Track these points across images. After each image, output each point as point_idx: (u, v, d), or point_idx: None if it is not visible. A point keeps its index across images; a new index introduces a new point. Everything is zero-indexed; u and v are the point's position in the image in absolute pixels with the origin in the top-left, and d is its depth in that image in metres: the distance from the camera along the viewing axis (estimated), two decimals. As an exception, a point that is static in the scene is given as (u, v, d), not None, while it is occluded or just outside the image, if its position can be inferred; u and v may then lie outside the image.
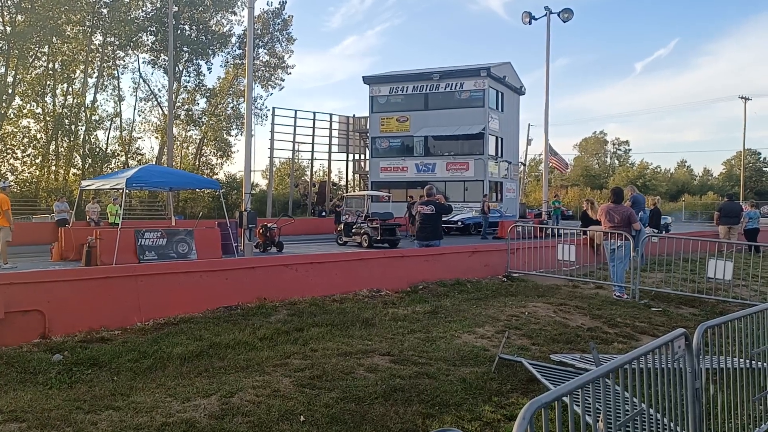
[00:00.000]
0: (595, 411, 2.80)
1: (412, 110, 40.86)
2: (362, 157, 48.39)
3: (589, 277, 11.96)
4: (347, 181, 52.15)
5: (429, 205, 11.45)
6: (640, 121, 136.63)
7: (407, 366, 5.94)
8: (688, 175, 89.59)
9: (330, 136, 47.08)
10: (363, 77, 42.90)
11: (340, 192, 49.04)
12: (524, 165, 61.84)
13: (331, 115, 47.19)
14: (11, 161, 37.72)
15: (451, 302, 9.40)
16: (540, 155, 73.71)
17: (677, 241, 12.54)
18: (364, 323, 7.81)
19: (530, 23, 26.78)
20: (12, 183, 17.00)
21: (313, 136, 45.95)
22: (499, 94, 41.11)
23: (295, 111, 44.59)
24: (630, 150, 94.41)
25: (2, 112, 35.71)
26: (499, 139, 41.26)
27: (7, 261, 14.09)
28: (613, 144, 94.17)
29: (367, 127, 44.15)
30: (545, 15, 26.56)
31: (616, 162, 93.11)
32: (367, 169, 44.95)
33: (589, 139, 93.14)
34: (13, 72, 35.94)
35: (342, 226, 22.17)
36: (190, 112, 46.09)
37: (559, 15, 26.00)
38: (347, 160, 49.66)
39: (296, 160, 48.85)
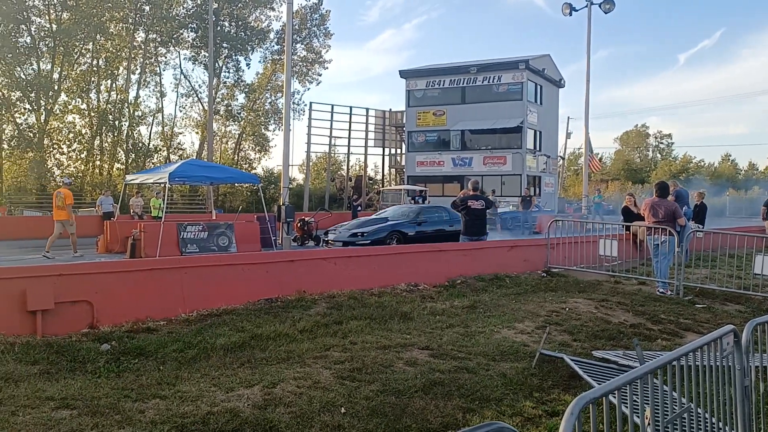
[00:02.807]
0: (642, 408, 2.76)
1: (448, 104, 40.60)
2: (398, 151, 48.32)
3: (632, 273, 11.76)
4: (383, 175, 52.18)
5: (479, 200, 11.48)
6: (684, 114, 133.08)
7: (446, 360, 5.94)
8: (732, 169, 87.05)
9: (366, 131, 47.13)
10: (399, 71, 42.81)
11: (376, 186, 49.10)
12: (563, 159, 60.97)
13: (367, 109, 47.25)
14: (57, 156, 38.79)
15: (489, 297, 9.35)
16: (579, 149, 72.64)
17: (722, 236, 12.22)
18: (403, 317, 7.83)
19: (570, 14, 26.33)
20: (73, 180, 17.68)
21: (350, 130, 46.07)
22: (538, 87, 40.56)
23: (332, 106, 44.76)
24: (672, 143, 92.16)
25: (49, 108, 36.72)
26: (538, 133, 40.73)
27: (77, 251, 15.16)
28: (655, 137, 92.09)
29: (404, 121, 44.04)
30: (586, 6, 26.06)
31: (658, 156, 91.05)
32: (403, 163, 44.88)
33: (631, 133, 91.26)
34: (59, 69, 36.90)
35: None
36: (230, 108, 46.69)
37: (600, 6, 25.50)
38: (383, 155, 49.65)
39: (333, 155, 49.04)
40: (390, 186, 44.65)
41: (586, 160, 30.24)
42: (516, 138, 38.52)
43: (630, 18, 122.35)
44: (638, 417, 2.76)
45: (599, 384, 4.84)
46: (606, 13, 25.59)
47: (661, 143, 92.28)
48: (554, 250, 12.32)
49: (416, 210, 17.61)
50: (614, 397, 2.68)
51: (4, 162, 35.97)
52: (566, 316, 8.12)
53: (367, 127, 46.96)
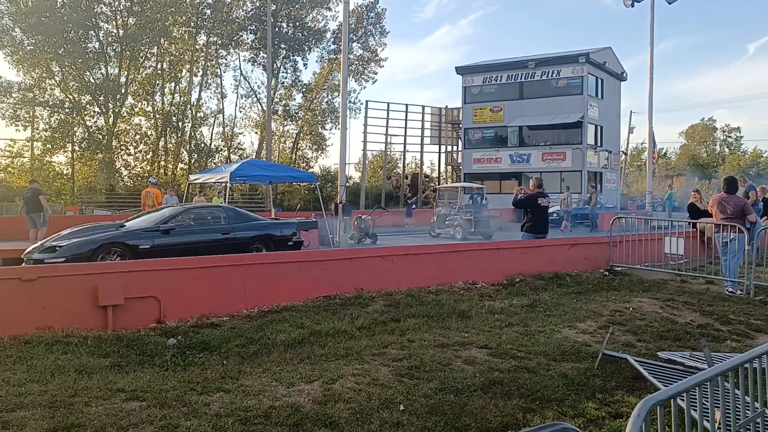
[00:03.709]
0: (712, 412, 2.66)
1: (506, 100, 40.12)
2: (455, 148, 48.09)
3: (699, 271, 11.34)
4: (439, 173, 52.01)
5: (545, 198, 11.31)
6: (753, 106, 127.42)
7: (506, 359, 5.88)
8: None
9: (422, 128, 47.10)
10: (456, 68, 42.55)
11: (432, 184, 48.99)
12: (626, 154, 59.30)
13: (423, 107, 47.19)
14: (125, 157, 40.33)
15: (549, 296, 9.19)
16: (642, 144, 70.48)
17: (798, 234, 11.64)
18: (461, 315, 7.78)
19: (632, 5, 25.62)
20: (157, 180, 18.64)
21: (406, 128, 46.14)
22: (599, 80, 39.59)
23: (388, 104, 44.94)
24: (741, 137, 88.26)
25: (117, 110, 38.20)
26: (599, 128, 39.76)
27: None
28: (723, 131, 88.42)
29: (460, 118, 43.78)
30: (649, -4, 25.29)
31: (726, 150, 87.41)
32: (459, 160, 44.62)
33: (696, 126, 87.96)
34: (126, 73, 38.32)
35: (435, 218, 22.19)
36: (287, 108, 47.46)
37: (663, -5, 24.69)
38: (439, 152, 49.51)
39: (389, 153, 49.22)
40: (446, 183, 44.45)
41: (650, 155, 29.33)
42: (576, 133, 37.72)
43: (695, 7, 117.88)
44: (707, 421, 2.67)
45: (665, 386, 4.70)
46: (670, 3, 24.77)
47: (729, 137, 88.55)
48: (617, 248, 12.01)
49: (170, 214, 12.37)
50: (682, 399, 2.60)
51: (75, 163, 37.61)
52: (630, 315, 7.90)
53: (423, 124, 46.92)
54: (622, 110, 45.67)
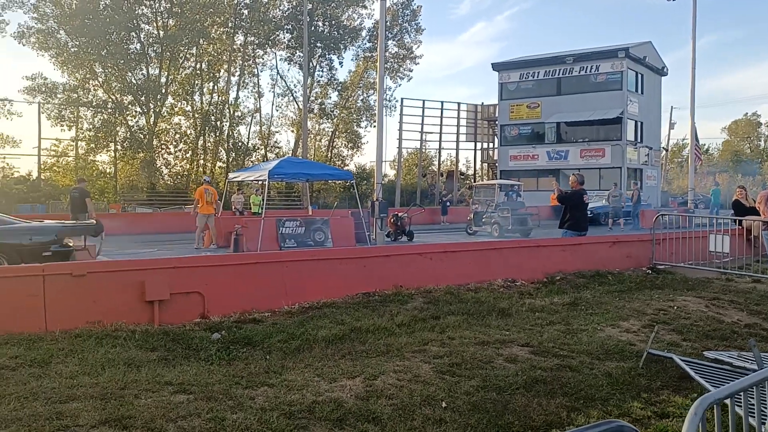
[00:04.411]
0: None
1: (543, 96, 39.66)
2: (491, 145, 47.75)
3: (745, 270, 11.06)
4: (475, 170, 51.72)
5: (586, 194, 11.15)
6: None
7: (548, 358, 5.83)
8: None
9: (458, 125, 46.87)
10: (492, 64, 42.23)
11: (468, 181, 48.73)
12: (666, 151, 58.04)
13: (459, 103, 46.95)
14: (165, 156, 41.13)
15: (591, 294, 9.07)
16: (684, 140, 68.87)
17: None
18: (501, 313, 7.75)
19: (674, -1, 24.99)
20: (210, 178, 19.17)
21: (441, 125, 45.99)
22: (639, 75, 38.83)
23: (423, 101, 44.84)
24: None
25: (157, 110, 38.97)
26: (639, 124, 39.01)
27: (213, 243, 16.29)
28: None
29: (496, 114, 43.44)
30: (691, -12, 24.69)
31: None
32: (495, 157, 44.29)
33: (740, 122, 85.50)
34: (166, 73, 39.04)
35: (472, 215, 22.08)
36: (323, 106, 47.75)
37: (707, -12, 24.05)
38: (475, 149, 49.24)
39: (424, 150, 49.15)
40: (482, 181, 44.18)
41: (692, 151, 28.66)
42: (615, 129, 37.09)
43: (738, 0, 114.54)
44: (765, 423, 2.61)
45: (713, 386, 4.61)
46: (714, -6, 24.09)
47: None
48: (660, 246, 11.78)
49: None
50: (738, 399, 2.55)
51: (117, 162, 38.50)
52: (674, 314, 7.76)
53: (458, 121, 46.69)
54: (663, 105, 44.71)
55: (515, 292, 9.16)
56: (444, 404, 4.66)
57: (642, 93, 39.15)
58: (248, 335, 6.55)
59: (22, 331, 6.22)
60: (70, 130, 37.40)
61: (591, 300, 8.63)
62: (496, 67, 41.99)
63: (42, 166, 35.56)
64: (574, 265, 10.62)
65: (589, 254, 11.20)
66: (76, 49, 36.15)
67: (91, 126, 37.99)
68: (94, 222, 11.53)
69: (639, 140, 39.03)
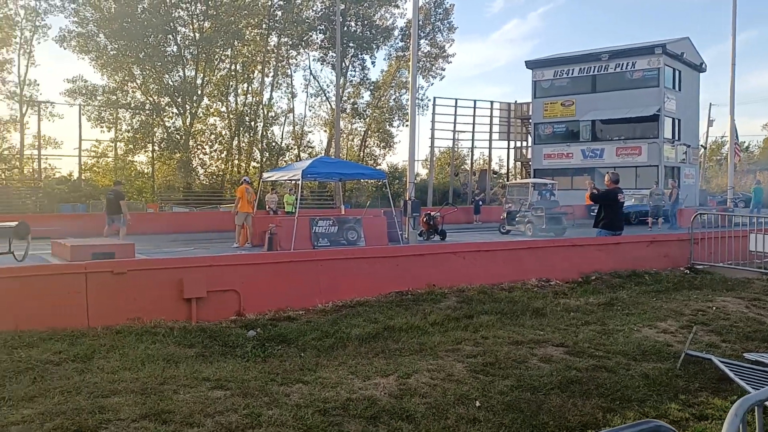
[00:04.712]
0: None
1: (577, 93, 39.12)
2: (524, 144, 47.32)
3: (788, 270, 10.78)
4: (508, 169, 51.30)
5: (622, 193, 10.94)
6: None
7: (583, 358, 5.78)
8: None
9: (491, 124, 46.56)
10: (525, 62, 41.84)
11: (501, 180, 48.37)
12: (705, 148, 56.77)
13: (491, 102, 46.62)
14: (201, 156, 41.73)
15: (627, 294, 8.95)
16: (723, 137, 67.23)
17: None
18: (535, 313, 7.70)
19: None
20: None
21: (474, 124, 45.72)
22: (676, 72, 38.02)
23: (456, 100, 44.64)
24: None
25: (193, 111, 39.58)
26: (676, 121, 38.21)
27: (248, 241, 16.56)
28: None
29: (530, 113, 43.03)
30: (732, -18, 24.08)
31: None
32: (529, 156, 43.88)
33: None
34: (202, 75, 39.62)
35: (505, 214, 21.93)
36: (356, 106, 47.89)
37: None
38: (508, 148, 48.83)
39: (456, 149, 48.91)
40: (516, 180, 43.81)
41: (732, 149, 27.95)
42: (652, 127, 36.40)
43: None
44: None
45: (754, 389, 4.51)
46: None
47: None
48: (698, 246, 11.55)
49: None
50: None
51: (155, 162, 39.23)
52: (713, 315, 7.61)
53: (491, 120, 46.39)
54: (701, 102, 43.71)
55: (549, 291, 9.09)
56: (478, 403, 4.65)
57: (679, 90, 38.34)
58: (283, 333, 6.64)
59: (65, 326, 6.41)
60: (109, 132, 38.22)
61: (627, 300, 8.51)
62: (529, 64, 41.59)
63: (82, 167, 36.42)
64: (609, 265, 10.49)
65: (626, 254, 11.03)
66: (115, 52, 36.92)
67: (129, 127, 38.75)
68: (16, 223, 11.29)
69: (676, 138, 38.23)
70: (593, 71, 38.59)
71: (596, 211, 11.37)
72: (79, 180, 35.90)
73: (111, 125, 38.00)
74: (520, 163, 48.73)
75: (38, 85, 42.77)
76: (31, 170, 35.94)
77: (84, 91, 37.49)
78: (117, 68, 37.66)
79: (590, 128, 38.97)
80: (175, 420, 4.15)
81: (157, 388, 4.76)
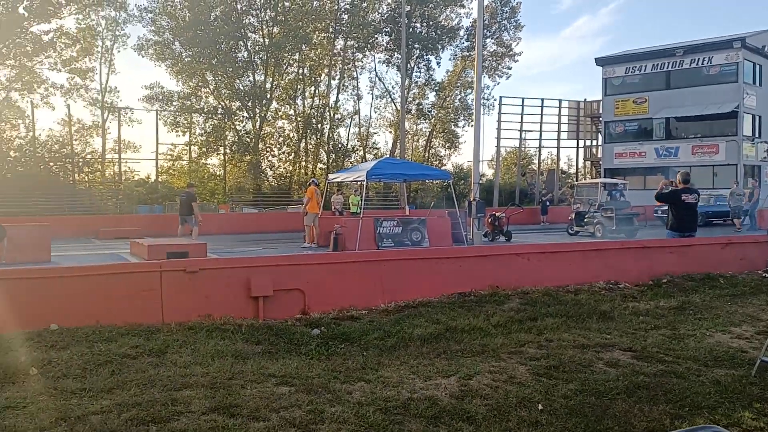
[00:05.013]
0: None
1: (650, 90, 37.83)
2: (594, 143, 46.13)
3: None
4: (577, 168, 50.12)
5: (692, 194, 10.53)
6: None
7: (651, 363, 5.63)
8: None
9: (559, 123, 45.62)
10: (596, 59, 40.80)
11: (569, 180, 47.31)
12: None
13: (560, 100, 45.66)
14: (270, 158, 42.75)
15: (700, 298, 8.62)
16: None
17: None
18: (602, 316, 7.54)
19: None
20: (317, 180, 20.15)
21: (541, 123, 44.92)
22: (757, 66, 36.17)
23: (522, 99, 44.00)
24: None
25: (262, 115, 40.61)
26: (757, 118, 36.35)
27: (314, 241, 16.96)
28: None
29: (600, 111, 41.93)
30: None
31: None
32: (599, 155, 42.75)
33: None
34: (271, 79, 40.60)
35: (573, 215, 21.47)
36: (421, 106, 47.90)
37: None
38: (577, 147, 47.70)
39: (523, 149, 48.20)
40: (585, 179, 42.77)
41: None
42: (730, 124, 34.78)
43: None
44: None
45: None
46: None
47: None
48: (779, 248, 11.00)
49: None
50: None
51: (226, 165, 40.46)
52: (795, 322, 7.24)
53: (559, 119, 45.47)
54: (786, 97, 41.40)
55: (618, 294, 8.86)
56: (540, 407, 4.61)
57: (760, 85, 36.46)
58: (346, 332, 6.76)
59: (141, 322, 6.74)
60: (183, 136, 39.70)
61: (700, 304, 8.21)
62: (599, 61, 40.53)
63: (159, 170, 37.98)
64: (682, 268, 10.12)
65: (699, 256, 10.62)
66: (189, 59, 38.34)
67: (202, 131, 40.16)
68: None
69: (757, 135, 36.38)
70: (667, 67, 37.24)
71: (666, 211, 11.01)
72: (156, 182, 37.46)
73: (185, 129, 39.47)
74: (589, 162, 47.55)
75: (118, 92, 44.95)
76: (112, 173, 37.75)
77: (160, 97, 39.13)
78: (191, 74, 39.10)
79: (664, 126, 37.63)
80: (242, 414, 4.32)
81: (226, 383, 4.96)
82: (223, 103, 40.59)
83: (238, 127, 40.93)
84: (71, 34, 34.73)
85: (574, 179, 46.21)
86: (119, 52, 60.16)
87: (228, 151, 40.38)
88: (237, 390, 4.80)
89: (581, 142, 47.06)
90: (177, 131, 39.48)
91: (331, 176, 21.31)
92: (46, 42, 33.47)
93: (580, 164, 49.48)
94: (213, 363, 5.57)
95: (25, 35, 32.73)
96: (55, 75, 50.77)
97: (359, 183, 20.77)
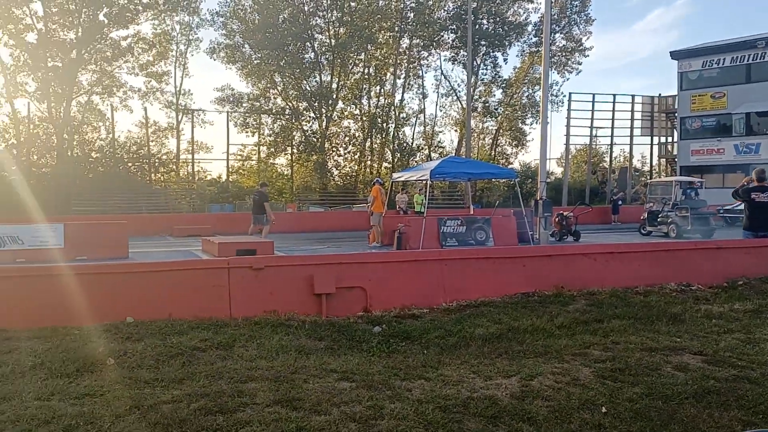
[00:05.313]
0: None
1: (729, 84, 36.13)
2: (669, 139, 44.45)
3: None
4: (651, 166, 48.41)
5: (765, 192, 10.08)
6: None
7: (723, 368, 5.41)
8: None
9: (632, 119, 44.16)
10: (671, 52, 39.29)
11: (643, 178, 45.77)
12: None
13: (632, 96, 44.21)
14: (335, 158, 43.36)
15: (779, 302, 8.21)
16: None
17: None
18: (672, 319, 7.29)
19: None
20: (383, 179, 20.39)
21: (613, 119, 43.62)
22: None
23: (593, 95, 42.85)
24: None
25: (329, 115, 41.21)
26: None
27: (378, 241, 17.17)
28: None
29: (675, 106, 40.37)
30: None
31: None
32: (674, 152, 41.17)
33: None
34: (337, 79, 41.17)
35: (646, 215, 20.79)
36: (487, 104, 47.44)
37: None
38: (651, 144, 46.08)
39: (594, 146, 46.92)
40: (659, 177, 41.28)
41: None
42: (817, 118, 32.82)
43: None
44: None
45: None
46: None
47: None
48: None
49: None
50: None
51: (294, 164, 41.29)
52: None
53: (632, 115, 44.03)
54: None
55: (690, 296, 8.54)
56: (604, 409, 4.52)
57: None
58: (407, 330, 6.80)
59: (210, 316, 7.01)
60: (253, 136, 40.79)
61: (779, 308, 7.81)
62: (675, 55, 39.01)
63: (230, 170, 39.15)
64: (760, 270, 9.65)
65: (780, 258, 10.10)
66: (258, 61, 39.34)
67: (271, 132, 41.16)
68: None
69: None
70: (747, 60, 35.46)
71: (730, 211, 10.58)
72: (226, 182, 38.63)
73: (254, 130, 40.53)
74: (665, 159, 45.86)
75: (192, 94, 46.78)
76: (185, 173, 39.19)
77: (231, 99, 40.36)
78: (260, 76, 40.11)
79: (744, 121, 35.86)
80: (304, 407, 4.43)
81: (289, 377, 5.09)
82: (290, 104, 41.42)
83: (305, 127, 41.69)
84: (148, 39, 36.34)
85: (648, 177, 44.67)
86: (192, 55, 62.55)
87: (295, 150, 41.19)
88: (300, 384, 4.92)
89: (655, 139, 45.45)
90: (246, 132, 40.61)
91: (395, 175, 21.41)
92: (124, 47, 35.14)
93: (655, 162, 47.80)
94: (277, 357, 5.73)
95: (104, 41, 34.47)
96: (132, 79, 53.07)
97: (423, 182, 20.80)
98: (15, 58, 33.03)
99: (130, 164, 36.65)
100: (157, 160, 37.97)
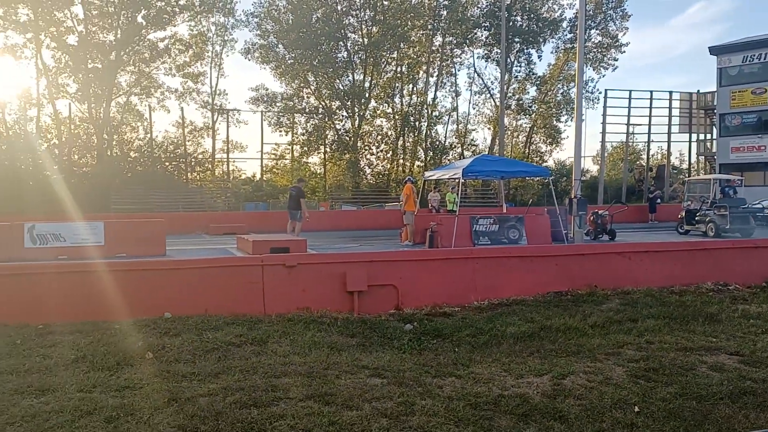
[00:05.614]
0: None
1: (772, 80, 35.19)
2: (708, 136, 43.44)
3: None
4: (690, 164, 47.37)
5: None
6: None
7: (760, 368, 5.33)
8: None
9: (669, 116, 43.28)
10: (709, 48, 38.40)
11: (681, 176, 44.83)
12: None
13: (670, 92, 43.31)
14: (368, 156, 43.44)
15: (821, 302, 8.01)
16: None
17: None
18: (708, 318, 7.18)
19: None
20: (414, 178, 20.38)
21: (650, 116, 42.79)
22: None
23: (630, 92, 42.13)
24: None
25: (361, 114, 41.34)
26: None
27: (410, 239, 17.01)
28: None
29: (714, 103, 39.44)
30: None
31: None
32: (713, 150, 40.23)
33: None
34: (369, 78, 41.26)
35: (683, 213, 20.38)
36: (521, 102, 46.98)
37: None
38: (690, 141, 45.08)
39: (631, 144, 46.11)
40: (698, 175, 40.39)
41: None
42: None
43: None
44: None
45: None
46: None
47: None
48: None
49: None
50: None
51: (326, 163, 41.54)
52: None
53: (670, 111, 43.16)
54: None
55: (726, 296, 8.39)
56: (637, 409, 4.50)
57: None
58: (438, 328, 6.84)
59: (245, 313, 7.14)
60: (286, 135, 41.13)
61: (821, 309, 7.62)
62: (714, 50, 38.12)
63: (264, 168, 39.57)
64: (801, 270, 9.43)
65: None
66: (292, 60, 39.67)
67: (304, 131, 41.45)
68: None
69: None
70: (791, 54, 34.48)
71: None
72: (261, 180, 39.06)
73: (288, 129, 40.89)
74: (703, 157, 44.84)
75: (227, 94, 47.30)
76: (221, 172, 39.74)
77: (265, 99, 40.76)
78: (294, 76, 40.44)
79: (787, 118, 34.90)
80: (336, 402, 4.50)
81: (322, 373, 5.18)
82: (323, 103, 41.67)
83: (337, 126, 41.89)
84: (184, 40, 36.95)
85: (686, 175, 43.75)
86: (227, 56, 63.38)
87: (328, 149, 41.43)
88: (332, 379, 5.00)
89: (694, 136, 44.48)
90: (280, 131, 40.97)
91: (427, 174, 21.37)
92: (161, 48, 35.82)
93: (693, 159, 46.75)
94: (310, 353, 5.83)
95: (142, 43, 35.18)
96: (169, 80, 54.17)
97: (456, 180, 20.74)
98: (57, 60, 33.94)
99: (167, 163, 37.34)
100: (193, 160, 38.60)
